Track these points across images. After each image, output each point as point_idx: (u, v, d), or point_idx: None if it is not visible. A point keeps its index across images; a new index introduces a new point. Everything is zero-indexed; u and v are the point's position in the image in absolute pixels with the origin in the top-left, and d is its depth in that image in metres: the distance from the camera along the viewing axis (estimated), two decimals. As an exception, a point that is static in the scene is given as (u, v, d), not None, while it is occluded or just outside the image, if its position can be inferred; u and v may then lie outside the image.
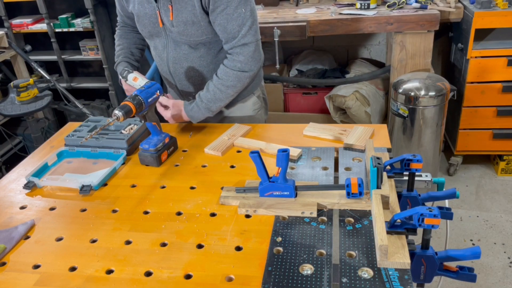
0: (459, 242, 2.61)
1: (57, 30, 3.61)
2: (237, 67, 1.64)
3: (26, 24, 3.66)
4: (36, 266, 1.14)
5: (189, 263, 1.10)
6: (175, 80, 1.81)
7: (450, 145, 3.25)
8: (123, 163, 1.58)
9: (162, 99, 1.70)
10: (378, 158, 1.20)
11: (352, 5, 3.03)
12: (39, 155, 1.71)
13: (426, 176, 1.34)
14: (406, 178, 1.28)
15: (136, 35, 1.88)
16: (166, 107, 1.72)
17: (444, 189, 1.33)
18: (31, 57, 3.53)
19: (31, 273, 1.12)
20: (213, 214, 1.28)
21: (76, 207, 1.36)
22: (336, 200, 1.24)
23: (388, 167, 1.27)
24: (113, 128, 1.72)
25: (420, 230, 1.06)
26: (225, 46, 1.66)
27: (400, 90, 2.71)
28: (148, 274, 1.09)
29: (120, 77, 1.77)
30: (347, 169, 1.42)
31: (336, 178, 1.40)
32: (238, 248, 1.14)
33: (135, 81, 1.67)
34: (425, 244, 1.09)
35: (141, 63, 1.90)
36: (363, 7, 2.89)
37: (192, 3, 1.56)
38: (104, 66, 3.65)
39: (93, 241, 1.21)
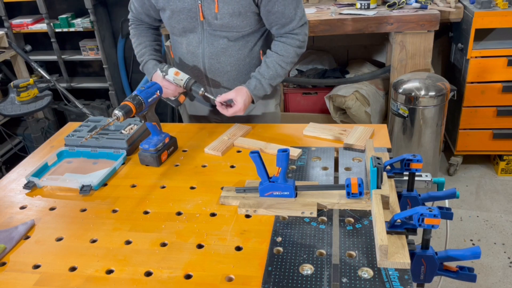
0: (459, 242, 2.61)
1: (57, 30, 3.61)
2: (297, 45, 1.71)
3: (26, 24, 3.66)
4: (36, 266, 1.14)
5: (189, 263, 1.10)
6: (208, 76, 1.77)
7: (450, 145, 3.25)
8: (123, 163, 1.58)
9: (222, 98, 1.63)
10: (378, 158, 1.20)
11: (352, 5, 3.03)
12: (39, 155, 1.71)
13: (426, 176, 1.35)
14: (406, 178, 1.28)
15: (153, 31, 1.85)
16: (228, 105, 1.66)
17: (444, 189, 1.33)
18: (31, 57, 3.53)
19: (31, 273, 1.12)
20: (213, 214, 1.28)
21: (76, 207, 1.36)
22: (336, 200, 1.24)
23: (388, 167, 1.27)
24: (113, 128, 1.72)
25: (420, 230, 1.06)
26: (280, 30, 1.68)
27: (400, 90, 2.71)
28: (148, 274, 1.09)
29: (155, 74, 1.71)
30: (347, 169, 1.42)
31: (336, 178, 1.40)
32: (238, 248, 1.14)
33: (177, 76, 1.63)
34: (425, 244, 1.09)
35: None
36: (363, 7, 2.89)
37: None
38: (104, 66, 3.64)
39: (93, 241, 1.21)
